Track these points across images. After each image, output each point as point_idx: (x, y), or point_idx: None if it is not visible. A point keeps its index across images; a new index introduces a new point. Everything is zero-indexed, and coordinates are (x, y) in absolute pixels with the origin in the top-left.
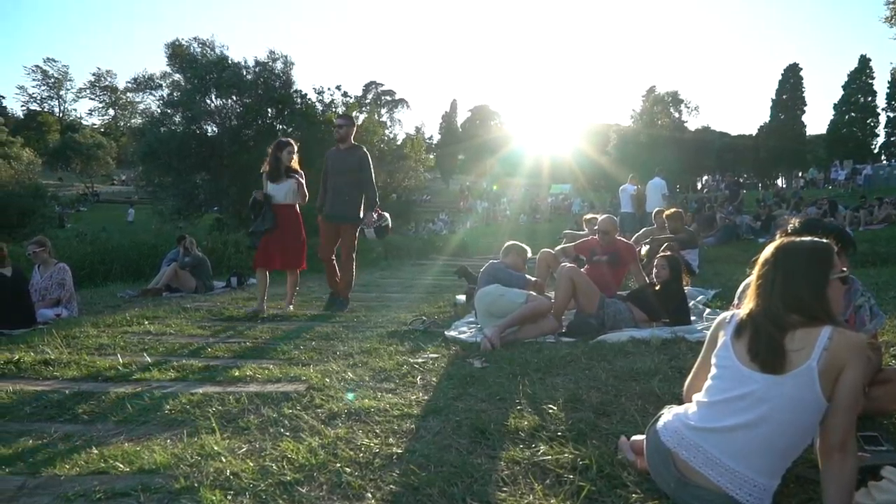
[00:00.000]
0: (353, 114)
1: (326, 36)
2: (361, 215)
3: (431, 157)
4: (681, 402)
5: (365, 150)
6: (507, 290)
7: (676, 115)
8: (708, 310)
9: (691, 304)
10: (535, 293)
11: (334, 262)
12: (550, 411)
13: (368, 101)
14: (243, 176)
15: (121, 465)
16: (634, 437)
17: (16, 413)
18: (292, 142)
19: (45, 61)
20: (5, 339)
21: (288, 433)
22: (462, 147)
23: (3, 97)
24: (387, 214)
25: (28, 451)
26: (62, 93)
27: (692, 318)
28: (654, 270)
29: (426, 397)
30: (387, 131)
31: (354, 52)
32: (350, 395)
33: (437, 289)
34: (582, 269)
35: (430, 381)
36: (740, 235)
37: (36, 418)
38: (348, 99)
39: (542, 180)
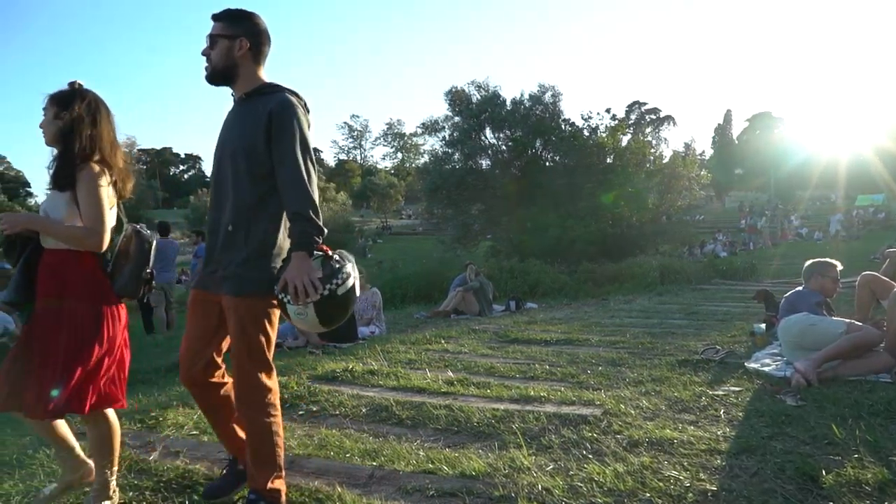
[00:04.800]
0: (618, 135)
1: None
2: (276, 267)
3: (705, 172)
4: None
5: (288, 95)
6: (820, 318)
7: None
8: None
9: None
10: (857, 322)
11: (211, 383)
12: None
13: (632, 121)
14: (512, 205)
15: (445, 468)
16: None
17: (356, 413)
18: (80, 82)
19: (350, 117)
20: (339, 351)
21: (591, 456)
22: (739, 160)
23: (321, 150)
24: (347, 260)
25: (370, 446)
26: (362, 142)
27: None
28: None
29: (734, 433)
30: (652, 150)
31: (618, 75)
32: None
33: (728, 316)
34: None
35: (736, 415)
36: None
37: (371, 419)
38: (614, 121)
39: (839, 191)
